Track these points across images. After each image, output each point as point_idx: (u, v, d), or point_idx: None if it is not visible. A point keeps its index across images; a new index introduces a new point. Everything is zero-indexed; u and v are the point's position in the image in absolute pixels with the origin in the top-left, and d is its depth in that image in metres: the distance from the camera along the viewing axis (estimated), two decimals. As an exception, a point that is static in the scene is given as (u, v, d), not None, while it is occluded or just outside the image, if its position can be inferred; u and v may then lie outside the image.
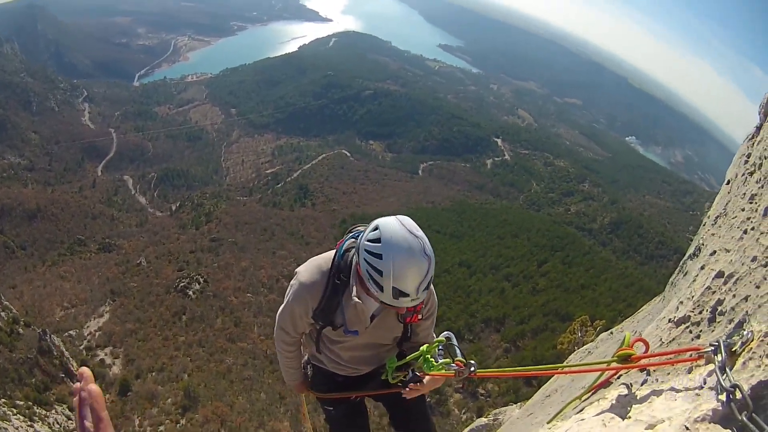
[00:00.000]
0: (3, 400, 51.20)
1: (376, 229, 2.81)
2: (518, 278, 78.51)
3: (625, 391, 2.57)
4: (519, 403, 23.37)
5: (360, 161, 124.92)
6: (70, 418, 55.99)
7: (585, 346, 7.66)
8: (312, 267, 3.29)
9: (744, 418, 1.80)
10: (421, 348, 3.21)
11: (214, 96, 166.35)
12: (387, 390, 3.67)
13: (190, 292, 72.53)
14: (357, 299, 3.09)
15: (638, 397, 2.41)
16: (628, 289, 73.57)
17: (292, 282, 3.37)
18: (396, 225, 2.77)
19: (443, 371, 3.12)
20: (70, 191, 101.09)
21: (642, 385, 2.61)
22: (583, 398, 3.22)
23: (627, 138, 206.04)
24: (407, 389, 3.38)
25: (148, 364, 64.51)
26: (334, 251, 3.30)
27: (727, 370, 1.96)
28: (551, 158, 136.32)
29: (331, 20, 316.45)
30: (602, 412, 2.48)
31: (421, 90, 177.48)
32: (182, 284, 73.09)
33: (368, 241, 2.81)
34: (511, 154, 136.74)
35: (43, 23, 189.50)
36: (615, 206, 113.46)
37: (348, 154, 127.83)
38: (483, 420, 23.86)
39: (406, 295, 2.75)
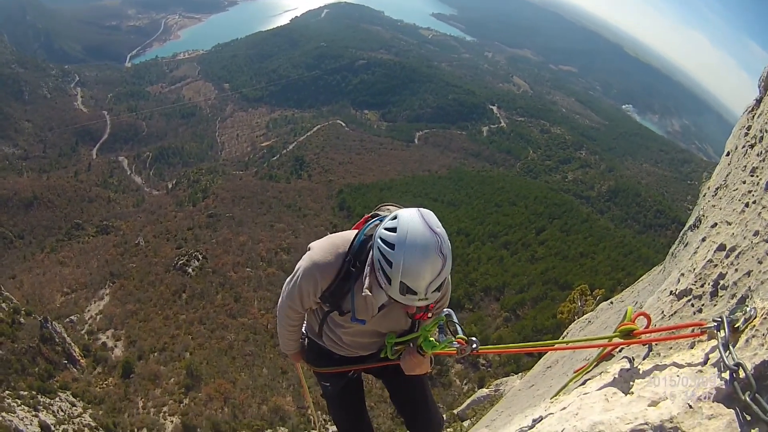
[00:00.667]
0: (7, 391, 51.43)
1: (395, 218, 2.72)
2: (517, 246, 78.60)
3: (628, 365, 2.59)
4: (520, 374, 23.82)
5: (355, 131, 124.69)
6: (74, 405, 56.17)
7: (585, 316, 7.63)
8: (328, 246, 3.19)
9: (747, 398, 1.80)
10: (422, 327, 3.20)
11: (206, 72, 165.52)
12: (385, 363, 3.61)
13: (190, 270, 72.53)
14: (368, 292, 2.96)
15: (641, 372, 2.43)
16: (626, 258, 73.84)
17: (304, 257, 3.25)
18: (416, 218, 2.66)
19: (445, 349, 3.12)
20: (65, 176, 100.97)
21: (644, 359, 2.63)
22: (586, 371, 3.21)
23: (623, 106, 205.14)
24: (406, 359, 3.33)
25: (150, 344, 64.65)
26: (355, 232, 3.20)
27: (731, 347, 1.96)
28: (547, 125, 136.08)
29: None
30: (605, 386, 2.51)
31: (415, 58, 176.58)
32: (181, 262, 73.09)
33: (385, 229, 2.73)
34: (507, 121, 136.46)
35: (31, 13, 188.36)
36: (612, 174, 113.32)
37: (343, 124, 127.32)
38: (485, 391, 24.41)
39: (414, 293, 2.67)
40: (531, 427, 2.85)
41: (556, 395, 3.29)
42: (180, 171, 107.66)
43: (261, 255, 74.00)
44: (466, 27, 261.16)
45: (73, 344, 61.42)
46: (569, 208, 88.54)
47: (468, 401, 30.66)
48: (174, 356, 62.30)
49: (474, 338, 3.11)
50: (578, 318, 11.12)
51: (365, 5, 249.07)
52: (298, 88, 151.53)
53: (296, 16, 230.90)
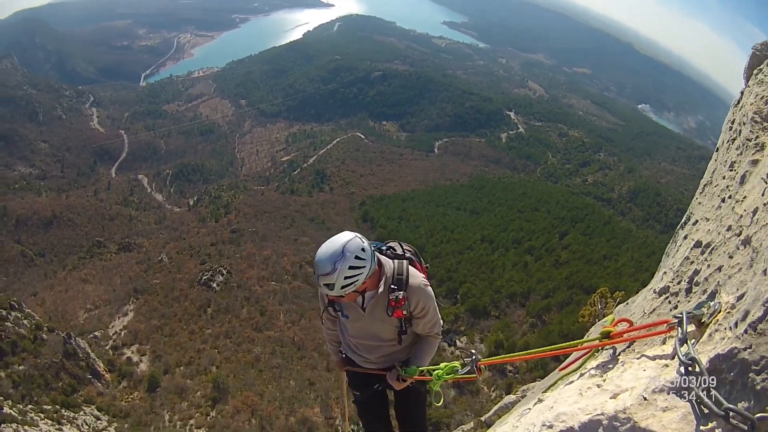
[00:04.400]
0: (30, 406, 51.83)
1: None
2: (540, 251, 78.40)
3: (604, 360, 2.73)
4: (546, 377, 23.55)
5: (375, 143, 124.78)
6: (99, 419, 56.37)
7: (604, 319, 7.71)
8: None
9: (699, 392, 1.85)
10: (440, 365, 4.10)
11: (222, 89, 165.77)
12: (382, 371, 4.57)
13: (214, 285, 72.53)
14: None
15: (614, 366, 2.56)
16: (650, 259, 72.58)
17: None
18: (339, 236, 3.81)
19: (451, 376, 4.08)
20: (85, 195, 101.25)
21: (619, 355, 2.72)
22: (571, 371, 3.33)
23: (639, 105, 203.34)
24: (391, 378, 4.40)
25: (176, 358, 64.71)
26: None
27: (688, 342, 2.05)
28: (565, 129, 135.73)
29: (332, 5, 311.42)
30: (580, 380, 2.61)
31: (430, 68, 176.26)
32: (205, 277, 73.11)
33: None
34: (525, 126, 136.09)
35: (41, 35, 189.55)
36: (632, 175, 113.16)
37: (362, 136, 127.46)
38: (512, 397, 24.08)
39: (317, 277, 3.70)
40: (519, 419, 2.98)
41: (545, 392, 3.40)
42: (201, 188, 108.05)
43: (286, 269, 73.95)
44: (478, 34, 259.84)
45: (97, 359, 61.61)
46: (591, 211, 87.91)
47: (495, 408, 30.46)
48: (200, 370, 62.26)
49: (473, 351, 3.99)
50: (599, 321, 11.20)
51: (376, 17, 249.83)
52: (316, 102, 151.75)
53: (308, 30, 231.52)
